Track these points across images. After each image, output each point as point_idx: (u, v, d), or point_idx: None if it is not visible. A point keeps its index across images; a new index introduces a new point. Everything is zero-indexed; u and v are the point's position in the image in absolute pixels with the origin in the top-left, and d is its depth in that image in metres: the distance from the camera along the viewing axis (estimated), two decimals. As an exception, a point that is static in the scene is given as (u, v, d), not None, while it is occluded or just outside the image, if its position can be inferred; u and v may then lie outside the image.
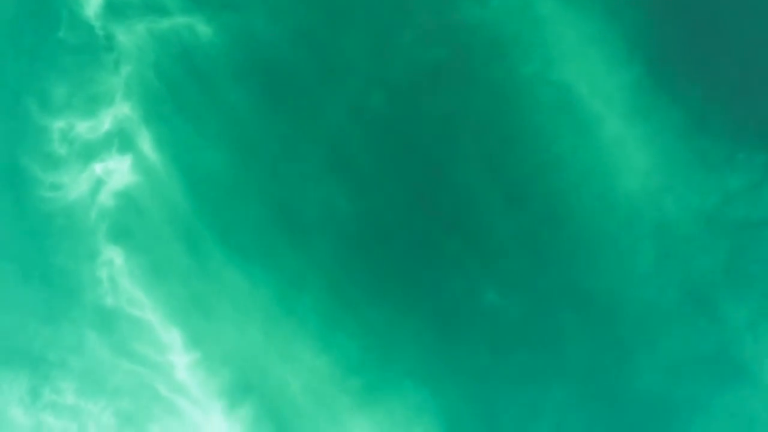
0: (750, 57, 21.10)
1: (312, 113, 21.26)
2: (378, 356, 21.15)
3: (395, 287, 21.39)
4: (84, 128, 20.77)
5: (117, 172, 20.73)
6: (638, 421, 21.10)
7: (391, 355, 21.23)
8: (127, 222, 20.60)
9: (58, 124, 20.73)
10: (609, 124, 21.22)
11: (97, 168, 20.74)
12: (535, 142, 21.45)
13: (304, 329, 20.84)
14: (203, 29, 20.83)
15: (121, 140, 20.81)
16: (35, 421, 20.28)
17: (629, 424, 21.16)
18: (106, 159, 20.76)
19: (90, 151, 20.81)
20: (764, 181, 20.97)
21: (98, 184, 20.69)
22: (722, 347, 20.91)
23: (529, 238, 21.43)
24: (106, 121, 20.77)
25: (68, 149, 20.69)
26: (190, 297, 20.44)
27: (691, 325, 20.99)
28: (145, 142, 20.75)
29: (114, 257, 20.49)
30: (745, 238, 21.08)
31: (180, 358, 20.16)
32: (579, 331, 21.18)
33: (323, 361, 20.86)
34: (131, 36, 20.72)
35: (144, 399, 20.11)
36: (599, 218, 21.18)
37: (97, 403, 20.27)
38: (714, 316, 20.97)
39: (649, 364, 21.04)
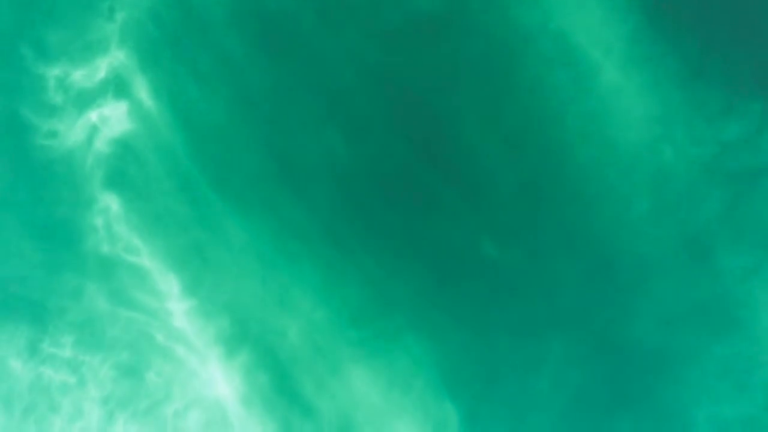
0: (747, 5, 21.08)
1: (311, 62, 21.14)
2: (377, 308, 21.14)
3: (394, 238, 21.37)
4: (79, 76, 20.61)
5: (113, 119, 20.59)
6: (634, 371, 21.18)
7: (391, 307, 21.23)
8: (124, 169, 20.49)
9: (53, 72, 20.57)
10: (607, 73, 21.19)
11: (93, 116, 20.60)
12: (533, 92, 21.41)
13: (302, 279, 20.80)
14: (200, -25, 20.70)
15: (117, 88, 20.67)
16: (34, 374, 20.20)
17: (626, 375, 21.24)
18: (102, 106, 20.63)
19: (86, 99, 20.66)
20: (762, 130, 20.99)
21: (94, 131, 20.55)
22: (718, 297, 20.98)
23: (527, 188, 21.43)
24: (101, 68, 20.61)
25: (64, 97, 20.54)
26: (187, 244, 20.36)
27: (688, 274, 21.05)
28: (142, 90, 20.61)
29: (111, 204, 20.38)
30: (742, 188, 21.11)
31: (177, 306, 20.09)
32: (577, 282, 21.22)
33: (322, 312, 20.84)
34: (126, -19, 20.58)
35: (141, 347, 20.04)
36: (597, 168, 21.19)
37: (95, 355, 20.19)
38: (711, 266, 21.03)
39: (646, 314, 21.11)
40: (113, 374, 20.29)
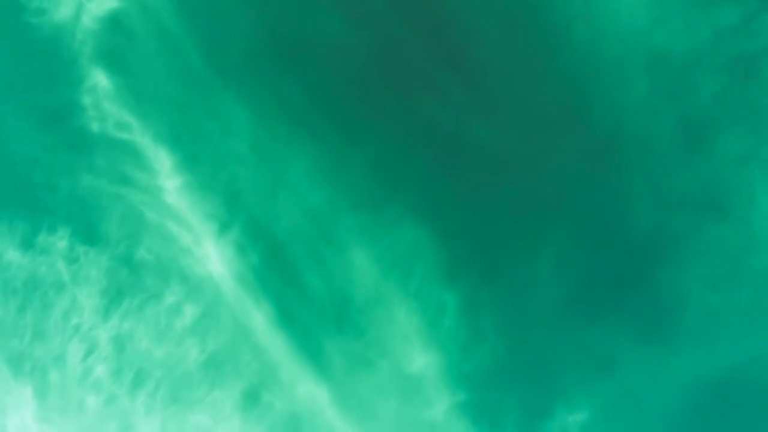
0: None
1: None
2: (376, 193, 20.87)
3: (393, 121, 21.09)
4: (65, -50, 20.06)
5: (102, -6, 20.09)
6: (632, 255, 21.12)
7: (390, 192, 20.97)
8: (114, 44, 19.98)
9: (38, -53, 20.02)
10: (604, -45, 21.07)
11: (82, -10, 20.09)
12: (530, -26, 21.23)
13: (299, 160, 20.45)
14: None
15: (107, -40, 20.15)
16: (31, 265, 19.80)
17: (624, 260, 21.17)
18: (91, -19, 20.11)
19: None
20: (758, 14, 20.97)
21: (82, 6, 20.02)
22: (714, 180, 20.98)
23: (523, 70, 21.26)
24: (89, -58, 20.09)
25: (51, -29, 19.99)
26: (180, 121, 19.91)
27: (684, 157, 21.01)
28: (132, -36, 20.11)
29: (101, 81, 19.88)
30: (738, 73, 21.09)
31: (170, 182, 19.66)
32: (574, 164, 21.11)
33: (320, 195, 20.51)
34: None
35: (134, 225, 19.59)
36: (593, 50, 21.05)
37: (89, 244, 19.76)
38: (707, 150, 21.01)
39: (642, 196, 21.05)
40: (108, 265, 19.84)
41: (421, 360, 20.55)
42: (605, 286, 21.02)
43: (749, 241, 20.87)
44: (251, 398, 19.91)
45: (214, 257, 19.61)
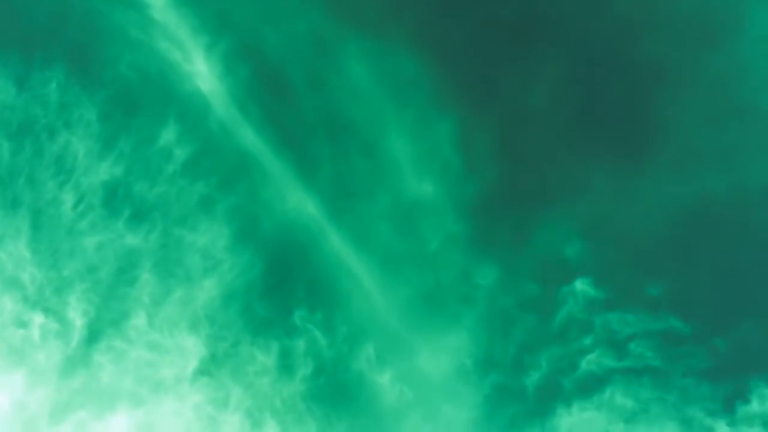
0: None
1: None
2: (376, 16, 20.22)
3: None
4: None
5: None
6: (632, 87, 20.98)
7: (389, 17, 20.35)
8: None
9: None
10: None
11: None
12: None
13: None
14: None
15: None
16: (25, 104, 19.12)
17: (623, 91, 21.03)
18: None
19: None
20: None
21: None
22: (704, 11, 20.91)
23: None
24: None
25: None
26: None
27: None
28: None
29: None
30: None
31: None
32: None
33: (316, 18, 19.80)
34: None
35: (121, 43, 18.72)
36: None
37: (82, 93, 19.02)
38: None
39: (641, 25, 20.89)
40: (100, 104, 19.21)
41: (418, 188, 20.50)
42: (599, 115, 21.02)
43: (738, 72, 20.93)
44: (247, 228, 19.71)
45: (204, 73, 18.93)
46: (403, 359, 19.97)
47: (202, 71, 18.99)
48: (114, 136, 19.50)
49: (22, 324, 18.68)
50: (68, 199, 19.23)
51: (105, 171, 19.35)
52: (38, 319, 18.72)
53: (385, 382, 19.66)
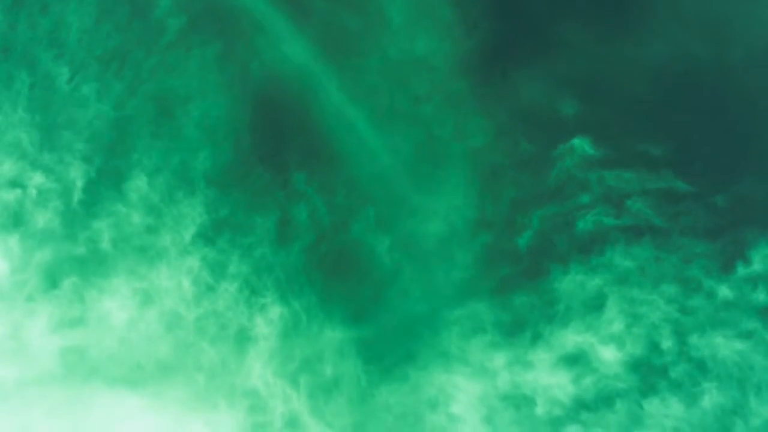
0: None
1: None
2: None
3: None
4: None
5: None
6: None
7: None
8: None
9: None
10: None
11: None
12: None
13: None
14: None
15: None
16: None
17: None
18: None
19: None
20: None
21: None
22: None
23: None
24: None
25: None
26: None
27: None
28: None
29: None
30: None
31: None
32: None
33: None
34: None
35: None
36: None
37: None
38: None
39: None
40: None
41: (411, 46, 19.72)
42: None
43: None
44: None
45: None
46: (399, 224, 19.09)
47: None
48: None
49: (20, 185, 18.26)
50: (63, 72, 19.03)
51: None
52: (38, 178, 18.32)
53: (383, 247, 18.68)
